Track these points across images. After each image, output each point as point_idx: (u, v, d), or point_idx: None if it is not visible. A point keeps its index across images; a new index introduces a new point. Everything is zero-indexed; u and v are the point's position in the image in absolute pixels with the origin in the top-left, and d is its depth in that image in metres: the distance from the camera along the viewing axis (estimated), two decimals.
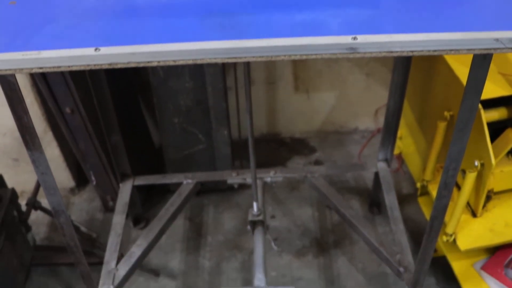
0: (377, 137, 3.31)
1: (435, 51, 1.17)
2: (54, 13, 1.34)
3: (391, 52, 1.17)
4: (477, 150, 2.05)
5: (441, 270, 2.59)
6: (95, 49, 1.17)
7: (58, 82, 2.36)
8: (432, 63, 2.40)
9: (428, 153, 2.38)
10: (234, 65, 2.81)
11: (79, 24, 1.29)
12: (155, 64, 1.17)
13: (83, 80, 2.26)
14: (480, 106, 1.95)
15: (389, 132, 2.51)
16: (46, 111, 2.72)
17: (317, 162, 3.26)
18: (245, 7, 1.31)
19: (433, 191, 2.34)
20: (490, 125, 2.04)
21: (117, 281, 2.22)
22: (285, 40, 1.17)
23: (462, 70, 2.14)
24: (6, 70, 1.19)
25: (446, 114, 2.23)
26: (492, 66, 2.18)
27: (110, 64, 1.18)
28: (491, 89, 2.08)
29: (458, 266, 2.33)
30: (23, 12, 1.36)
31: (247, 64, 1.85)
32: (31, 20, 1.32)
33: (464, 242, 2.17)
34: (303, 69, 3.09)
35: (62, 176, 3.01)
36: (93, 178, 2.78)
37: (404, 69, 2.25)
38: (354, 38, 1.17)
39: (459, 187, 2.18)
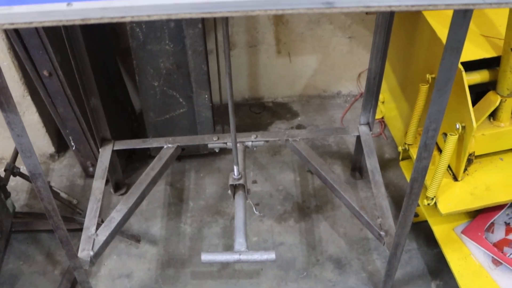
0: (360, 102, 3.30)
1: (413, 6, 1.13)
2: None
3: (369, 7, 1.13)
4: (458, 113, 2.05)
5: (423, 235, 2.61)
6: (67, 4, 1.13)
7: (35, 45, 2.32)
8: (414, 25, 2.38)
9: (410, 117, 2.37)
10: (215, 27, 2.77)
11: None
12: (128, 19, 1.13)
13: (61, 43, 2.23)
14: (461, 68, 1.95)
15: (371, 95, 2.50)
16: (24, 76, 2.68)
17: (300, 127, 3.25)
18: None
19: (415, 154, 2.33)
20: (472, 88, 2.03)
21: (97, 247, 2.21)
22: None
23: (444, 32, 2.12)
24: None
25: (428, 76, 2.23)
26: (475, 28, 2.18)
27: (83, 20, 1.13)
28: (473, 51, 2.07)
29: (439, 230, 2.34)
30: None
31: (226, 21, 1.82)
32: None
33: (445, 205, 2.17)
34: (284, 32, 3.05)
35: (42, 141, 2.98)
36: (72, 143, 2.75)
37: (385, 30, 2.23)
38: None
39: (440, 151, 2.18)
